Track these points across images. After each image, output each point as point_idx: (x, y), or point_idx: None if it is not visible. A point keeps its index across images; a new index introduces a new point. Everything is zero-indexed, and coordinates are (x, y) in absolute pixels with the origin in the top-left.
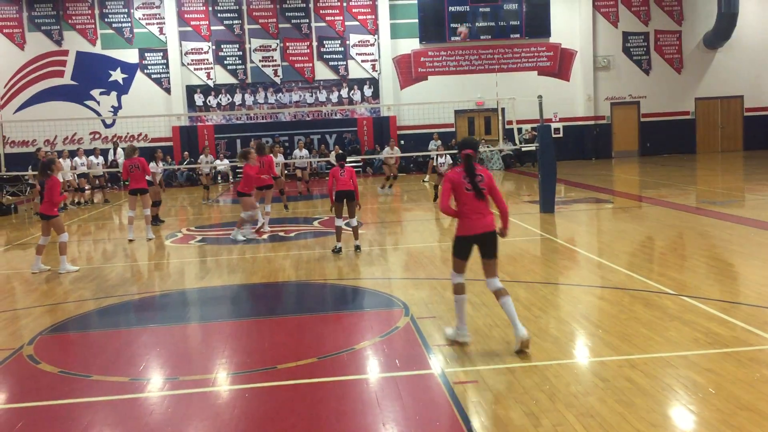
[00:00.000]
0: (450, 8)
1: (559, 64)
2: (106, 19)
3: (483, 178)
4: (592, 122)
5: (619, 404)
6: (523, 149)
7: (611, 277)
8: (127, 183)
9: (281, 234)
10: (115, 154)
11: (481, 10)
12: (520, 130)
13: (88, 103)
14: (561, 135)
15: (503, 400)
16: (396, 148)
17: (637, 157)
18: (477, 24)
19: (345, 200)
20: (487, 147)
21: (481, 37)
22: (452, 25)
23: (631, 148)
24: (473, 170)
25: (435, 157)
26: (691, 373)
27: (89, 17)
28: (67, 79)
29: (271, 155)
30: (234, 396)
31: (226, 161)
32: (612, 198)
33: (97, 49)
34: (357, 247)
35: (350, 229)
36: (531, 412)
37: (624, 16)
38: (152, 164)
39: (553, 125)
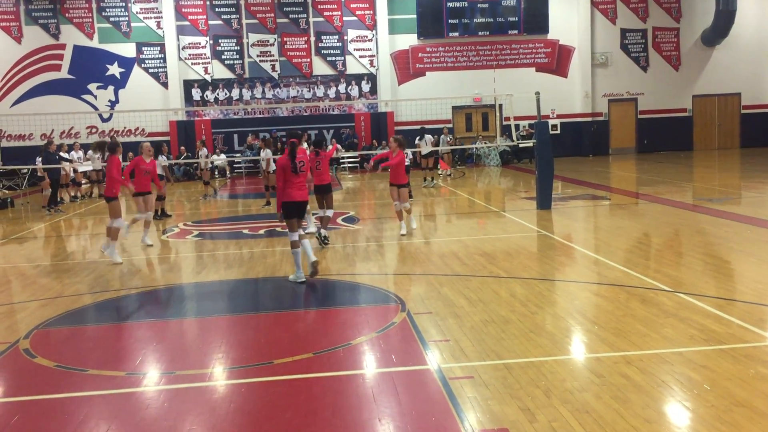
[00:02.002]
0: (448, 4)
1: (557, 61)
2: (103, 13)
3: (303, 163)
4: (589, 119)
5: (615, 400)
6: (521, 146)
7: (607, 273)
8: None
9: (278, 229)
10: None
11: (479, 6)
12: (517, 127)
13: (85, 97)
14: (558, 131)
15: (499, 395)
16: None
17: (634, 154)
18: (475, 20)
19: (322, 193)
20: (485, 143)
21: (479, 33)
22: (450, 21)
23: (628, 145)
24: (294, 155)
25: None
26: (687, 369)
27: (86, 11)
28: (64, 73)
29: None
30: (230, 391)
31: (223, 156)
32: (609, 195)
33: (95, 43)
34: (320, 235)
35: (325, 216)
36: (526, 408)
37: (622, 13)
38: (161, 157)
39: (551, 122)
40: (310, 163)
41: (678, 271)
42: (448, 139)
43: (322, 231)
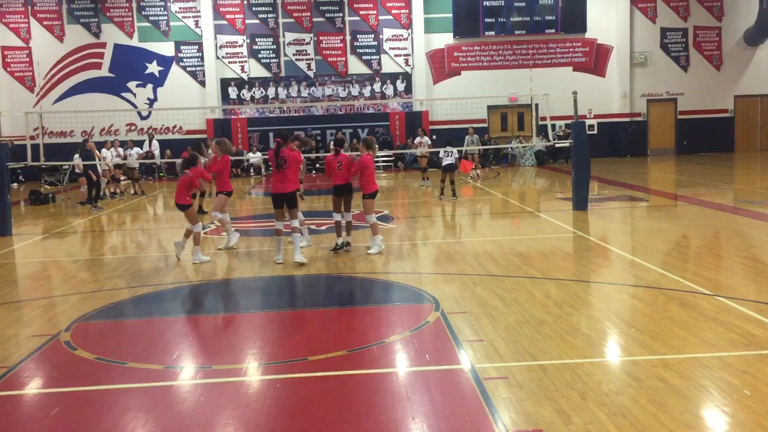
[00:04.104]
0: (484, 3)
1: (595, 60)
2: (143, 12)
3: (285, 160)
4: (627, 119)
5: (652, 404)
6: (557, 146)
7: (645, 275)
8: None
9: (312, 227)
10: (150, 145)
11: (516, 4)
12: (553, 127)
13: (124, 95)
14: (595, 132)
15: (534, 396)
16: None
17: (673, 155)
18: (511, 19)
19: (342, 194)
20: (520, 143)
21: (516, 32)
22: (486, 19)
23: (667, 146)
24: (278, 153)
25: (440, 151)
26: (726, 374)
27: (127, 10)
28: (104, 71)
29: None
30: (265, 386)
31: (258, 154)
32: (647, 196)
33: (134, 42)
34: (346, 244)
35: (346, 222)
36: (562, 410)
37: (662, 12)
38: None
39: (588, 122)
40: (332, 163)
41: (717, 274)
42: (473, 140)
43: (344, 239)
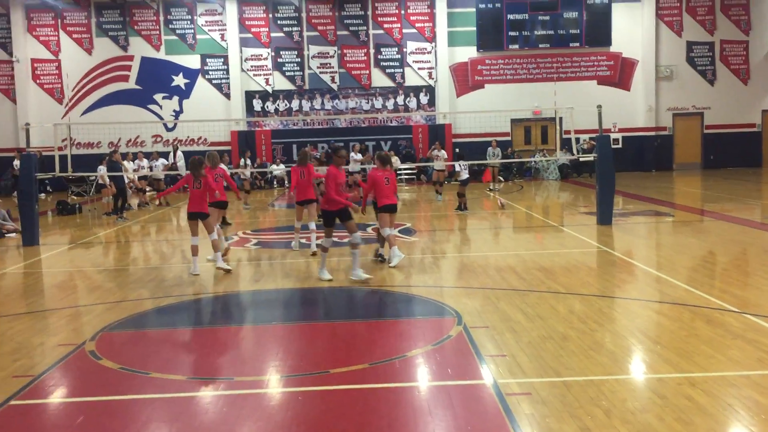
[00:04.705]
0: (509, 16)
1: (620, 74)
2: (170, 26)
3: (303, 174)
4: (653, 133)
5: (678, 423)
6: (581, 159)
7: (670, 292)
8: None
9: (334, 239)
10: (175, 157)
11: (540, 18)
12: (578, 140)
13: (151, 107)
14: (620, 146)
15: (557, 413)
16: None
17: (699, 170)
18: (536, 32)
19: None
20: (543, 156)
21: (540, 46)
22: (510, 33)
23: (693, 161)
24: (304, 164)
25: (455, 165)
26: (755, 393)
27: (154, 23)
28: (131, 84)
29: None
30: (287, 399)
31: (282, 166)
32: (672, 211)
33: (161, 55)
34: (380, 256)
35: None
36: (586, 427)
37: (688, 25)
38: (222, 165)
39: (613, 135)
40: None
41: (745, 291)
42: (496, 153)
43: (380, 250)
